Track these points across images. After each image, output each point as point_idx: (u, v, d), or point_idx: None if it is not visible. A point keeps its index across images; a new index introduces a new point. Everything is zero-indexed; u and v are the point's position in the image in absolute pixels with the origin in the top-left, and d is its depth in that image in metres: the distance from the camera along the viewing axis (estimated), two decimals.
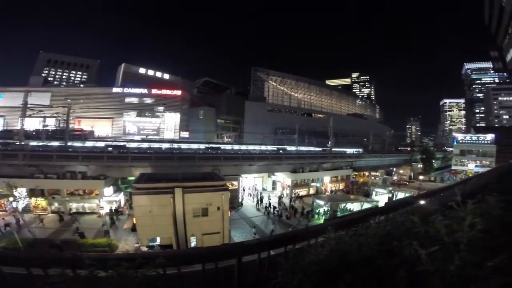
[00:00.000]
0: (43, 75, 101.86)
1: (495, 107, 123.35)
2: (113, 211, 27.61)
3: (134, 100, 76.37)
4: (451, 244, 1.78)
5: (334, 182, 43.01)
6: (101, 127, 71.35)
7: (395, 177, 55.63)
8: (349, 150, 56.14)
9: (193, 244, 19.46)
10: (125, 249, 19.88)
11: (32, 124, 49.26)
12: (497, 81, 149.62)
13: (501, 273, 1.52)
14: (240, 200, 33.11)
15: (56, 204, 27.87)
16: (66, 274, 2.09)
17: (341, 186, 43.62)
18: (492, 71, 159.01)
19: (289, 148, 51.35)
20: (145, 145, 45.37)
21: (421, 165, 64.47)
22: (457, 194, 2.16)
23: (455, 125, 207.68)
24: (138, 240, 19.63)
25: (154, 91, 77.32)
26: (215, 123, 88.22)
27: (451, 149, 76.65)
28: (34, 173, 27.00)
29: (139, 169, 28.15)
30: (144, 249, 18.53)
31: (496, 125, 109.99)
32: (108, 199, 28.21)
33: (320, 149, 54.32)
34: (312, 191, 39.64)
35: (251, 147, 50.58)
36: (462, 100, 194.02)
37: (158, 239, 19.23)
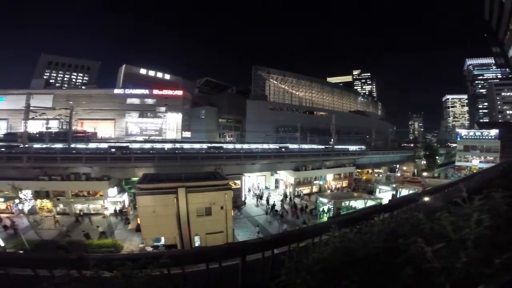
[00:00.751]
0: (44, 77, 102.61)
1: (499, 102, 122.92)
2: (118, 211, 27.85)
3: (136, 101, 76.66)
4: (458, 241, 1.76)
5: (337, 179, 42.82)
6: (104, 129, 71.89)
7: (398, 174, 55.36)
8: (352, 148, 55.79)
9: (197, 244, 19.51)
10: (130, 250, 20.02)
11: (35, 126, 49.72)
12: (499, 76, 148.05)
13: (510, 270, 1.50)
14: (243, 199, 33.15)
15: (61, 206, 28.10)
16: (71, 275, 2.11)
17: (344, 183, 43.46)
18: (494, 67, 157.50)
19: (291, 146, 51.18)
20: (147, 145, 45.55)
21: (425, 162, 64.08)
22: (463, 190, 2.14)
23: (458, 121, 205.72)
24: (142, 240, 19.72)
25: (155, 91, 77.57)
26: (217, 122, 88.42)
27: (454, 145, 75.98)
28: (39, 175, 27.19)
29: (142, 170, 28.22)
30: (149, 249, 18.66)
31: (500, 121, 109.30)
32: (113, 200, 28.39)
33: (323, 146, 54.15)
34: (315, 189, 39.52)
35: (253, 146, 50.48)
36: (465, 96, 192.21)
37: (163, 239, 19.31)
